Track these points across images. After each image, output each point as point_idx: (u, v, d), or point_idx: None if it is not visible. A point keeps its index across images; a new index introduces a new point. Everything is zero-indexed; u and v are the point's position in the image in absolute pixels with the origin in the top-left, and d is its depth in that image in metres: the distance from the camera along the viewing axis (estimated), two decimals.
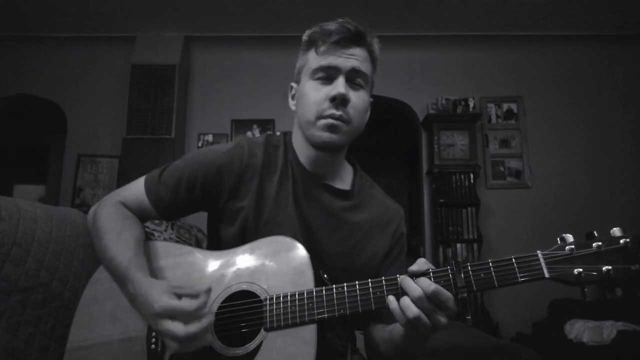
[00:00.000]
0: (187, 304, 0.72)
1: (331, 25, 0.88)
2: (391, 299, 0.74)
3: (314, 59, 0.90)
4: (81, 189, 3.68)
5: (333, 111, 0.86)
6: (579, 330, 2.69)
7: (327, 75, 0.88)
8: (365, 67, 0.89)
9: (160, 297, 0.73)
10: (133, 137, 3.59)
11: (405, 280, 0.73)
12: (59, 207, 1.07)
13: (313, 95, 0.88)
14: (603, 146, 3.68)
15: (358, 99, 0.89)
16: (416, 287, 0.71)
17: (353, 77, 0.88)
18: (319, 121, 0.88)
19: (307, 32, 0.93)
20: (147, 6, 3.49)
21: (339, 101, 0.86)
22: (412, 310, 0.70)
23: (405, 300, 0.71)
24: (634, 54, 3.80)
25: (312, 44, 0.90)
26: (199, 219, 1.07)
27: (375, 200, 1.02)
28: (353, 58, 0.88)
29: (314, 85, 0.89)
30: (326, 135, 0.88)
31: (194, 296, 0.74)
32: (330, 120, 0.87)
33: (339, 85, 0.86)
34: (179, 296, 0.74)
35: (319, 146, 0.91)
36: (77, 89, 3.85)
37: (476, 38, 3.86)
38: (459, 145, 3.59)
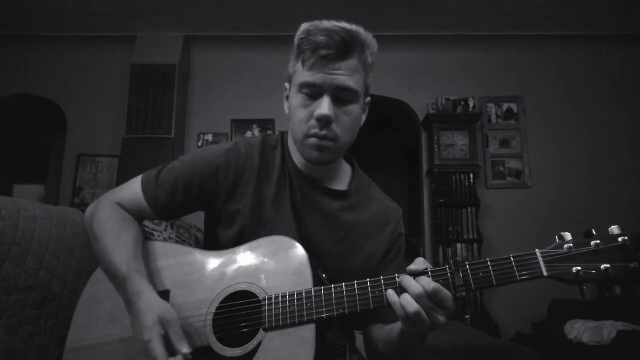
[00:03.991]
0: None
1: (319, 36, 0.83)
2: (391, 292, 0.74)
3: (300, 72, 0.86)
4: (81, 188, 3.68)
5: (317, 131, 0.85)
6: (579, 330, 2.69)
7: (313, 92, 0.86)
8: (353, 81, 0.85)
9: (150, 324, 0.74)
10: (133, 137, 3.59)
11: (405, 279, 0.73)
12: (58, 207, 1.07)
13: (300, 112, 0.87)
14: (603, 146, 3.67)
15: (345, 115, 0.87)
16: (417, 284, 0.71)
17: (339, 95, 0.86)
18: (307, 140, 0.87)
19: (298, 34, 0.88)
20: (147, 6, 3.49)
21: (324, 122, 0.84)
22: (413, 306, 0.70)
23: (406, 296, 0.71)
24: (634, 54, 3.80)
25: (300, 53, 0.87)
26: (199, 219, 1.07)
27: (373, 200, 1.02)
28: (339, 74, 0.84)
29: (301, 100, 0.87)
30: (315, 154, 0.88)
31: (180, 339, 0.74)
32: (317, 141, 0.86)
33: (324, 107, 0.84)
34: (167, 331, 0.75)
35: (308, 162, 0.91)
36: (77, 89, 3.85)
37: (476, 38, 3.86)
38: (459, 145, 3.59)
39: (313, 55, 0.83)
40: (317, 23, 0.86)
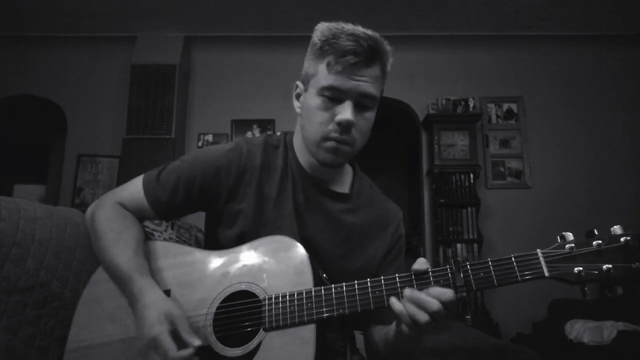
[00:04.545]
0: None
1: (346, 41, 0.82)
2: (393, 300, 0.73)
3: (324, 75, 0.85)
4: (81, 188, 3.68)
5: (337, 135, 0.85)
6: (579, 330, 2.69)
7: (335, 96, 0.85)
8: (375, 88, 0.86)
9: (156, 321, 0.74)
10: (133, 137, 3.59)
11: (415, 295, 0.71)
12: (59, 207, 1.07)
13: (319, 115, 0.86)
14: (603, 146, 3.67)
15: (364, 120, 0.88)
16: (434, 301, 0.69)
17: (361, 101, 0.86)
18: (324, 143, 0.87)
19: (319, 35, 0.86)
20: (147, 6, 3.49)
21: (345, 127, 0.85)
22: (423, 316, 0.69)
23: (414, 308, 0.71)
24: (634, 54, 3.80)
25: (323, 55, 0.85)
26: (199, 219, 1.07)
27: (374, 202, 1.02)
28: (364, 81, 0.84)
29: (321, 102, 0.86)
30: (329, 157, 0.88)
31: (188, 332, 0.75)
32: (335, 144, 0.86)
33: (347, 112, 0.84)
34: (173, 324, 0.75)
35: (321, 164, 0.91)
36: (77, 89, 3.85)
37: (476, 38, 3.86)
38: (459, 145, 3.58)
39: (340, 60, 0.82)
40: (338, 25, 0.85)
